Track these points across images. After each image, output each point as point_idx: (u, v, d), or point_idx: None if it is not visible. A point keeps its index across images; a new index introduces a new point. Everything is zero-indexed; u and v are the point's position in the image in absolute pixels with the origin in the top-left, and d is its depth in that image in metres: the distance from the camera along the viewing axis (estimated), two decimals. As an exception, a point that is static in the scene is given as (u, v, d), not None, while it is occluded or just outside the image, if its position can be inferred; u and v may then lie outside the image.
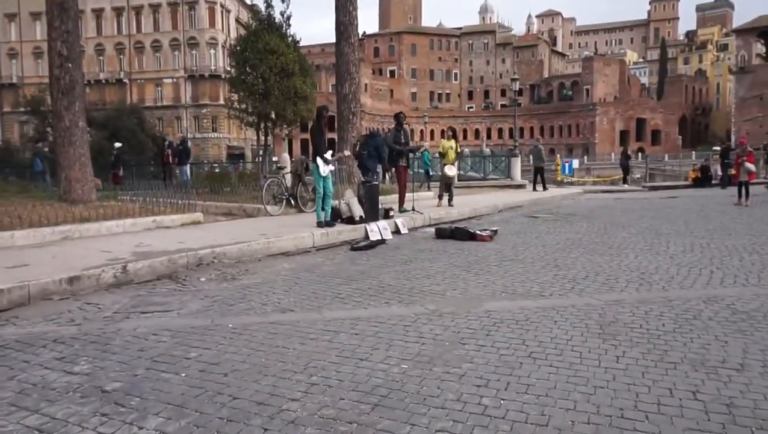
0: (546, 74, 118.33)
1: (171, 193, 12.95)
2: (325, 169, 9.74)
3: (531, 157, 24.64)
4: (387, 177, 18.27)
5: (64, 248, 7.80)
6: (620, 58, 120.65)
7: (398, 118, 12.35)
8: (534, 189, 22.42)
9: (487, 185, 24.87)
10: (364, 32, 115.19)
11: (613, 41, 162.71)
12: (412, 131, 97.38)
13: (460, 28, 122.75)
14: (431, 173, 22.60)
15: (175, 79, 71.41)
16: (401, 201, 12.40)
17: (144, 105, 63.02)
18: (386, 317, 5.05)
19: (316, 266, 7.48)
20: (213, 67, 69.91)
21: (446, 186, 14.46)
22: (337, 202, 10.60)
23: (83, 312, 5.36)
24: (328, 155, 9.80)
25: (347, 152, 11.52)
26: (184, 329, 4.78)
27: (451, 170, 14.39)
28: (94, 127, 35.50)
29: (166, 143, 24.20)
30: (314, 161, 9.78)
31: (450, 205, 14.14)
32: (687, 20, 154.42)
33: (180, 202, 11.94)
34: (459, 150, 15.47)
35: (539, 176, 23.20)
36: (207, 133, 70.66)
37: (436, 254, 8.33)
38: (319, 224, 9.64)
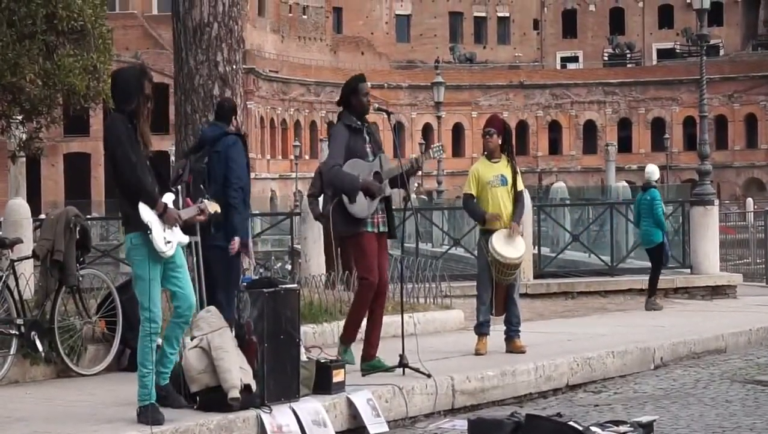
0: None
1: None
2: (167, 243, 6.32)
3: None
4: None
5: None
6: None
7: (353, 89, 7.69)
8: None
9: (620, 287, 16.47)
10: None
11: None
12: (396, 126, 43.47)
13: None
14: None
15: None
16: (351, 331, 8.40)
17: None
18: None
19: None
20: None
21: (502, 291, 9.64)
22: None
23: None
24: (167, 199, 6.39)
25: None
26: None
27: (511, 247, 9.47)
28: None
29: None
30: (126, 223, 6.67)
31: (515, 345, 9.61)
32: None
33: None
34: (519, 186, 9.65)
35: None
36: None
37: None
38: (147, 416, 6.36)
